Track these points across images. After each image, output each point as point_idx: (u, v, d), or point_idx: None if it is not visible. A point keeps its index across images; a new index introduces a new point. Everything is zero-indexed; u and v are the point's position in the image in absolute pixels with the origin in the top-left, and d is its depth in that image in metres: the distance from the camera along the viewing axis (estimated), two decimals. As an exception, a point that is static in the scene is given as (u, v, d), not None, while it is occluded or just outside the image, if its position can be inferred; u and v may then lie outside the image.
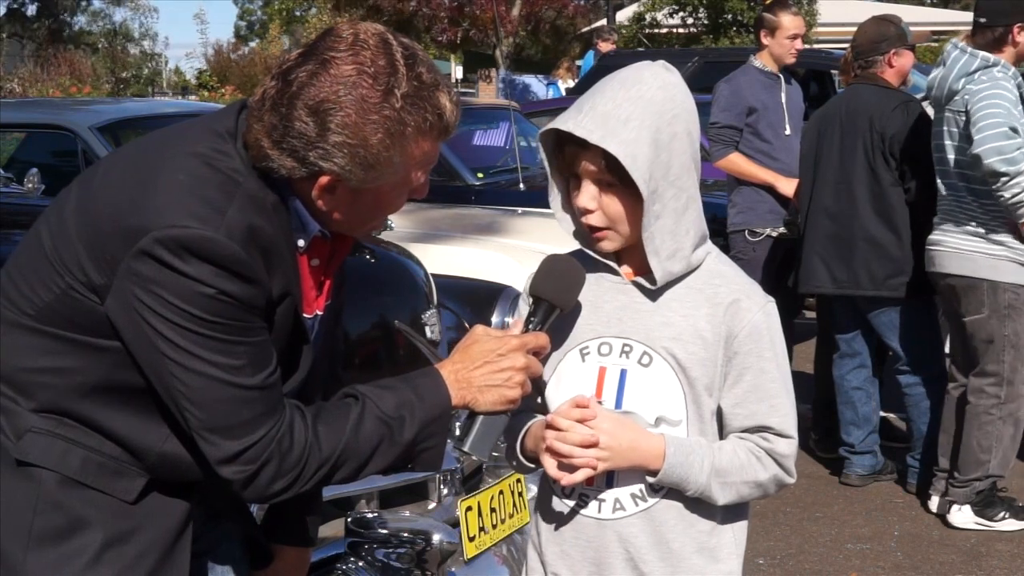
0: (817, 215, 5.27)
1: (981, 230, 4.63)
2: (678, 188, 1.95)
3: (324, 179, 1.83)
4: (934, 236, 4.81)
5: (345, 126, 1.78)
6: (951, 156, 4.69)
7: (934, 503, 4.99)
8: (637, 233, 1.98)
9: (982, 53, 4.61)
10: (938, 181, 4.78)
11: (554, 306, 2.00)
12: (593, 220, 1.98)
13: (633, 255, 2.03)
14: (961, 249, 4.68)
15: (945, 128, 4.71)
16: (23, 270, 1.89)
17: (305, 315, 1.98)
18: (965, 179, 4.65)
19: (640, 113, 1.91)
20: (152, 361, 1.80)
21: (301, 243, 1.91)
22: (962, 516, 4.83)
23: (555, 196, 2.07)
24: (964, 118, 4.59)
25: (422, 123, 1.83)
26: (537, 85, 16.80)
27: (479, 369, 1.95)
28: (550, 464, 1.98)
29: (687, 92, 1.99)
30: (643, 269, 2.01)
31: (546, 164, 2.04)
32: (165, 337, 1.77)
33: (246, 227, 1.79)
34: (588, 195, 1.97)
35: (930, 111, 5.23)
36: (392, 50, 1.83)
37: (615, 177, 1.93)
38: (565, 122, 1.95)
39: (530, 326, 2.00)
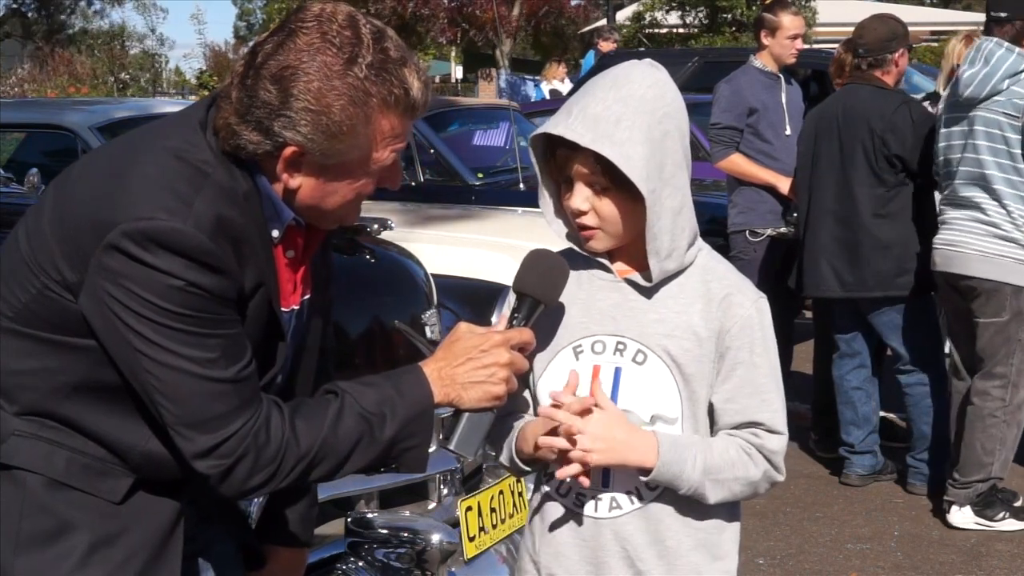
0: (819, 219, 5.25)
1: (1014, 235, 4.59)
2: (673, 187, 1.95)
3: (288, 150, 1.81)
4: (952, 236, 4.75)
5: (307, 91, 1.77)
6: (987, 157, 4.60)
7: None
8: (629, 234, 1.98)
9: None
10: (955, 182, 4.72)
11: (538, 301, 1.99)
12: (586, 221, 1.98)
13: (625, 253, 2.03)
14: (988, 252, 4.64)
15: (981, 128, 4.62)
16: (3, 273, 1.88)
17: (283, 309, 1.96)
18: (1006, 183, 4.58)
19: (631, 113, 1.91)
20: (125, 356, 1.79)
21: (275, 233, 1.90)
22: (962, 516, 4.82)
23: (546, 202, 2.06)
24: (1011, 120, 4.53)
25: (387, 96, 1.81)
26: (532, 87, 16.82)
27: (462, 366, 1.93)
28: (556, 441, 1.95)
29: (676, 90, 1.98)
30: (634, 264, 2.01)
31: (536, 169, 2.04)
32: (136, 331, 1.75)
33: (214, 217, 1.77)
34: (581, 197, 1.96)
35: (932, 111, 5.22)
36: (359, 25, 1.82)
37: (608, 179, 1.93)
38: (555, 126, 1.94)
39: (514, 322, 1.99)
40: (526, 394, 2.10)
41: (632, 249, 2.00)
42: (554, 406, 1.97)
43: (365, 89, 1.79)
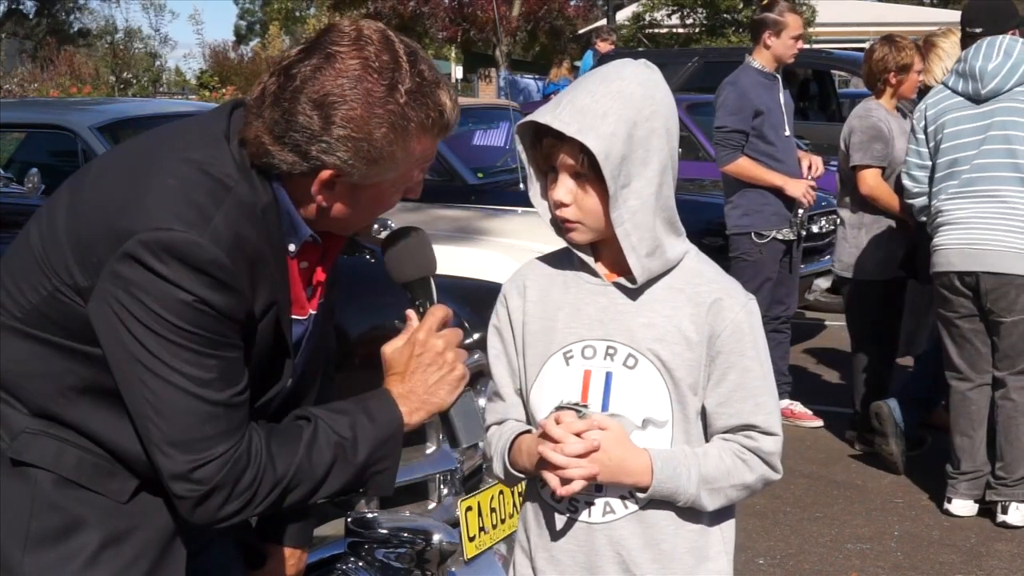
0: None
1: None
2: (656, 185, 1.95)
3: (325, 174, 1.83)
4: (971, 235, 4.72)
5: (350, 120, 1.78)
6: (1020, 147, 4.65)
7: (959, 506, 4.97)
8: (610, 228, 1.97)
9: None
10: (969, 175, 4.73)
11: (424, 277, 2.03)
12: (567, 214, 1.98)
13: (610, 251, 2.02)
14: (1020, 248, 4.65)
15: (1008, 118, 4.68)
16: (13, 273, 1.88)
17: (298, 317, 1.97)
18: None
19: (619, 108, 1.91)
20: (122, 364, 1.78)
21: (292, 248, 1.90)
22: (1020, 515, 4.82)
23: (533, 187, 2.06)
24: None
25: (424, 119, 1.83)
26: (535, 86, 16.82)
27: (414, 378, 1.97)
28: (553, 480, 1.95)
29: (667, 90, 1.99)
30: (621, 267, 2.01)
31: (523, 156, 2.05)
32: (139, 342, 1.75)
33: (233, 235, 1.77)
34: (564, 188, 1.97)
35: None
36: (395, 47, 1.83)
37: (591, 171, 1.93)
38: (543, 115, 1.95)
39: (421, 310, 2.02)
40: (518, 401, 2.11)
41: (617, 249, 1.99)
42: (544, 436, 1.97)
43: (405, 115, 1.81)
